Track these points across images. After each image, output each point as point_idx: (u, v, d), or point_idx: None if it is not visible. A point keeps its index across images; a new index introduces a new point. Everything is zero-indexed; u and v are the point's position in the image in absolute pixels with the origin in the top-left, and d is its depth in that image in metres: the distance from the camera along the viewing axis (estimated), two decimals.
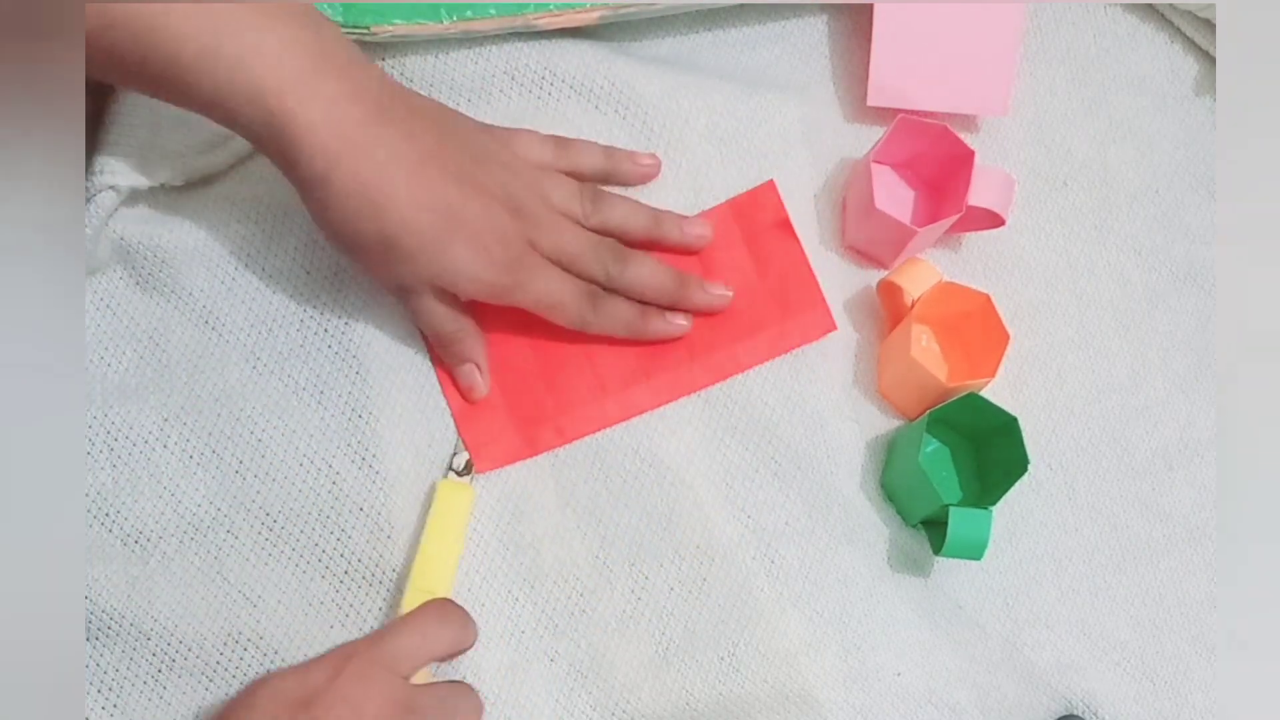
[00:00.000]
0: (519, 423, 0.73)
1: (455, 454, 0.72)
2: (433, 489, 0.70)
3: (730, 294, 0.74)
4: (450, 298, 0.69)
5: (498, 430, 0.73)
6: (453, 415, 0.73)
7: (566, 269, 0.70)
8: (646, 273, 0.72)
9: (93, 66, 0.60)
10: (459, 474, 0.71)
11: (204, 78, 0.60)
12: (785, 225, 0.76)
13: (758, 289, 0.75)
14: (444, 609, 0.66)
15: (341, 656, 0.61)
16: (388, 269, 0.66)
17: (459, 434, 0.72)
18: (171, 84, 0.61)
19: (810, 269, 0.75)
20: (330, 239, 0.66)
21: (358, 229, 0.64)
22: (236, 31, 0.59)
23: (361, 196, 0.63)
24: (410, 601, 0.67)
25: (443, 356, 0.72)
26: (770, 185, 0.76)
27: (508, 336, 0.73)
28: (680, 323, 0.74)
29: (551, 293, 0.69)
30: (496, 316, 0.72)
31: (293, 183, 0.64)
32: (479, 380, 0.72)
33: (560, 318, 0.70)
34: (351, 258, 0.67)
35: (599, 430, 0.73)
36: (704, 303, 0.74)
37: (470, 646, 0.67)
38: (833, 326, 0.75)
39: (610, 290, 0.72)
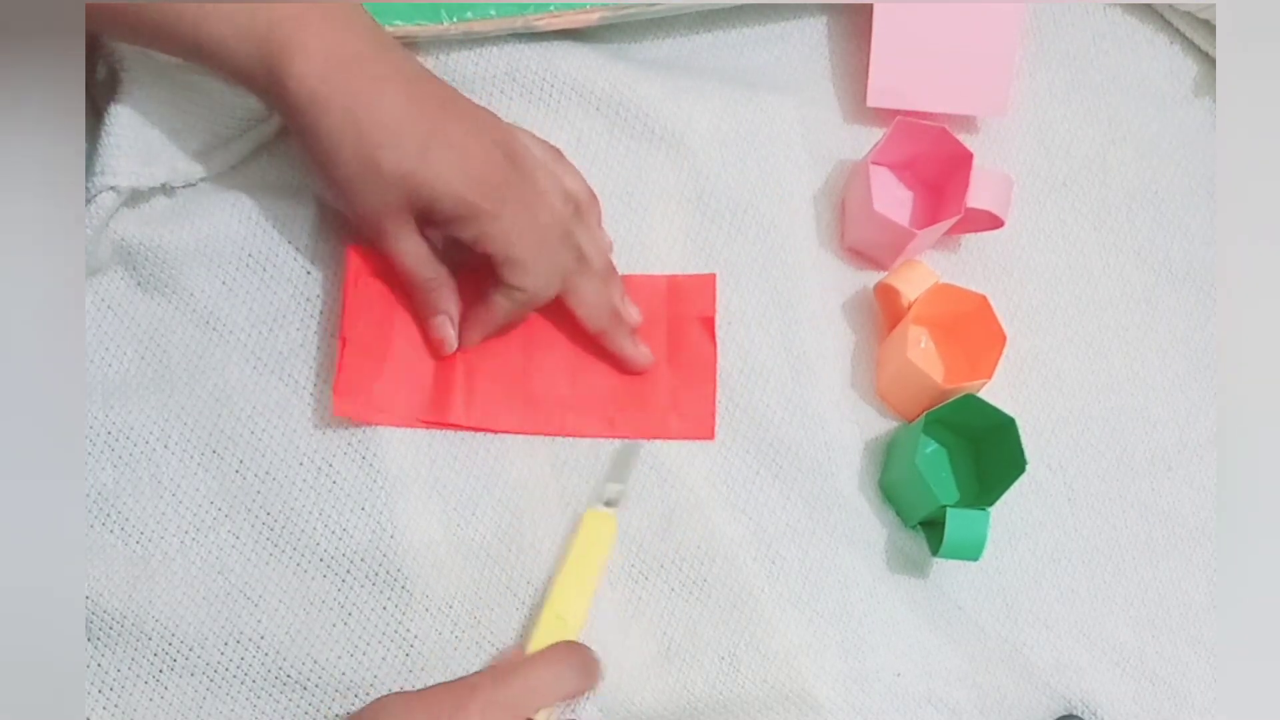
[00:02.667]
0: (411, 390, 0.72)
1: (606, 484, 0.71)
2: (578, 519, 0.70)
3: (650, 360, 0.74)
4: (429, 243, 0.69)
5: (379, 386, 0.71)
6: (340, 347, 0.70)
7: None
8: (601, 283, 0.72)
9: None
10: (607, 505, 0.71)
11: (200, 18, 0.61)
12: (709, 324, 0.75)
13: (660, 370, 0.75)
14: (575, 652, 0.66)
15: (466, 688, 0.62)
16: (369, 193, 0.65)
17: (338, 365, 0.70)
18: (165, 28, 0.62)
19: (714, 377, 0.74)
20: (316, 169, 0.66)
21: (341, 148, 0.64)
22: None
23: (346, 114, 0.63)
24: (545, 627, 0.67)
25: (416, 307, 0.71)
26: (710, 278, 0.75)
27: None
28: (646, 352, 0.74)
29: (527, 234, 0.68)
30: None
31: (281, 112, 0.65)
32: (450, 333, 0.71)
33: (516, 268, 0.68)
34: (335, 189, 0.66)
35: (487, 431, 0.73)
36: (628, 353, 0.73)
37: (595, 689, 0.67)
38: (710, 437, 0.74)
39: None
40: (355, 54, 0.64)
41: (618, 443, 0.73)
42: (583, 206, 0.72)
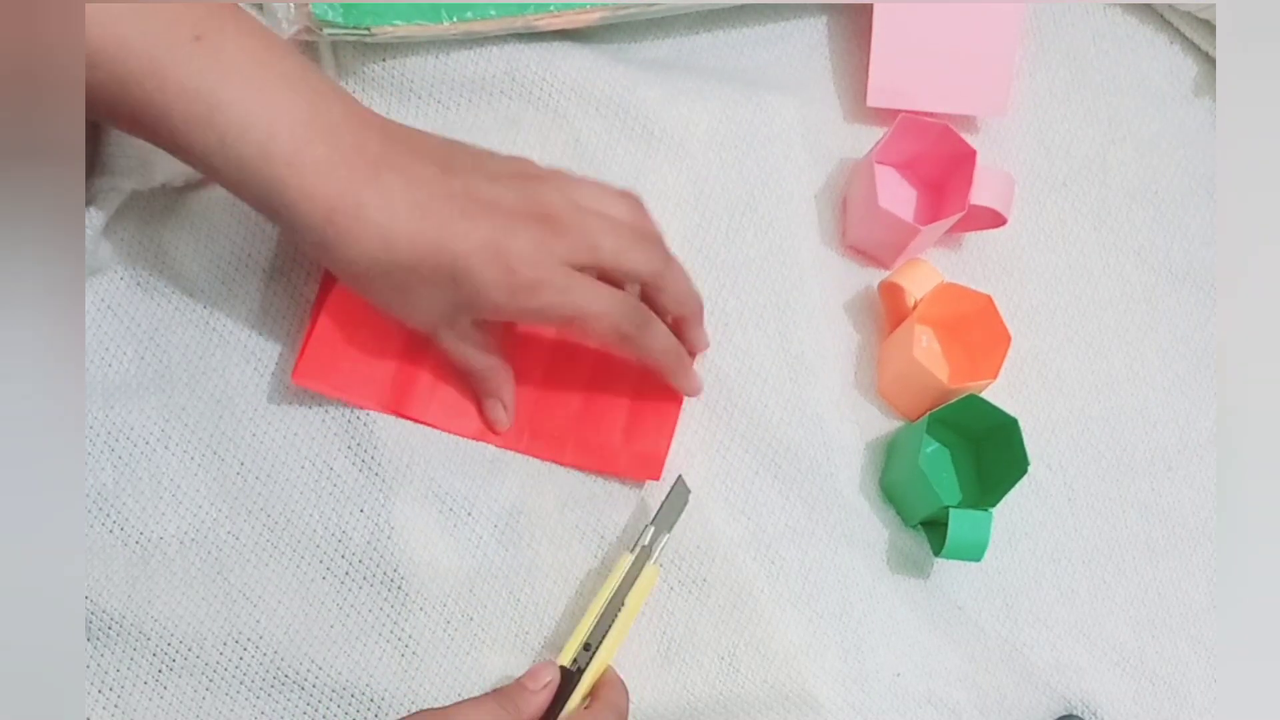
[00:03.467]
0: (376, 374, 0.71)
1: (653, 530, 0.70)
2: (620, 561, 0.69)
3: (700, 389, 0.73)
4: (478, 332, 0.68)
5: (345, 365, 0.70)
6: (313, 317, 0.70)
7: (602, 274, 0.66)
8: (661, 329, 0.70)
9: (91, 110, 0.59)
10: (647, 548, 0.69)
11: (195, 143, 0.59)
12: None
13: (622, 406, 0.73)
14: (622, 695, 0.68)
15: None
16: (412, 313, 0.66)
17: (306, 334, 0.70)
18: (169, 143, 0.60)
19: (674, 421, 0.73)
20: (354, 288, 0.65)
21: (372, 286, 0.64)
22: (227, 101, 0.58)
23: (367, 260, 0.62)
24: (594, 668, 0.67)
25: (474, 388, 0.72)
26: None
27: None
28: (698, 386, 0.73)
29: (590, 303, 0.65)
30: None
31: (301, 249, 0.65)
32: (502, 415, 0.72)
33: (596, 330, 0.66)
34: (379, 308, 0.66)
35: (442, 430, 0.73)
36: (683, 382, 0.72)
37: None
38: (656, 478, 0.72)
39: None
40: (365, 187, 0.61)
41: (664, 487, 0.71)
42: (632, 225, 0.68)
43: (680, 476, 0.70)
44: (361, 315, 0.69)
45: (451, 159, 0.65)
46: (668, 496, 0.70)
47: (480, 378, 0.71)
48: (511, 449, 0.73)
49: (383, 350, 0.71)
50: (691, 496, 0.71)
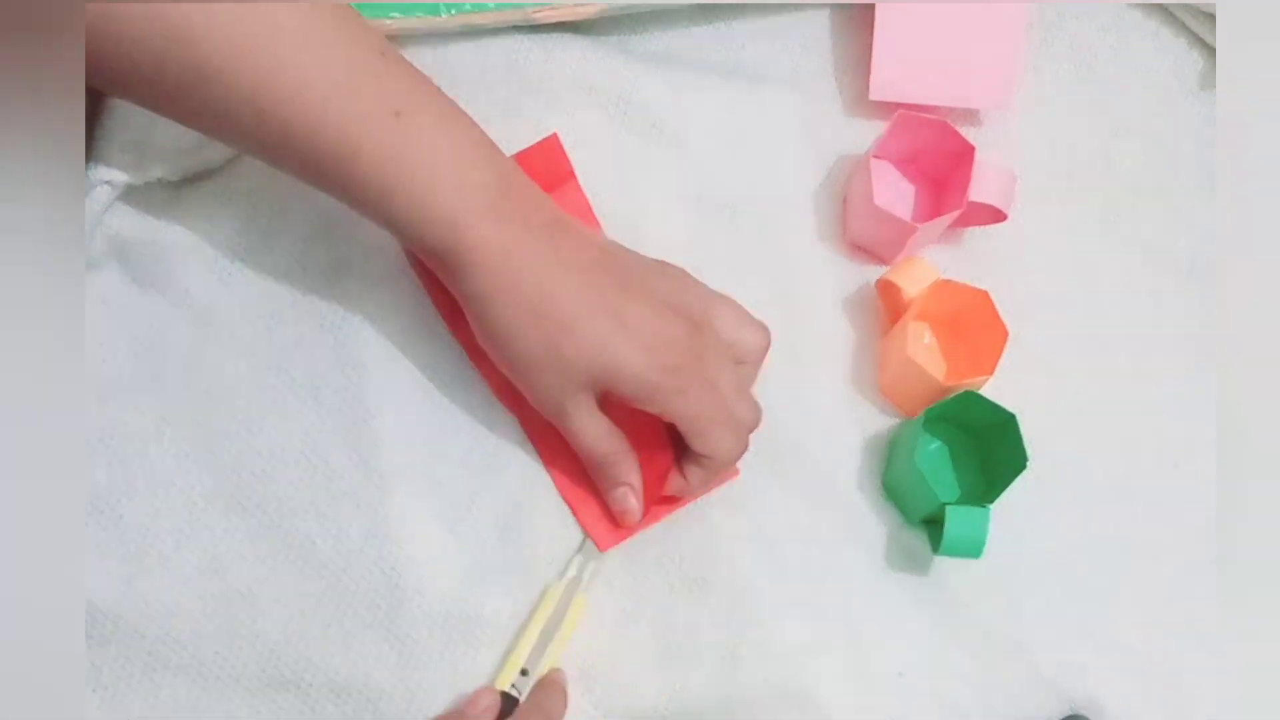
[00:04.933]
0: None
1: (573, 558, 0.71)
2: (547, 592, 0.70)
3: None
4: (607, 417, 0.68)
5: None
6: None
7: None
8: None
9: (257, 147, 0.64)
10: (576, 577, 0.71)
11: (387, 193, 0.62)
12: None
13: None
14: (557, 701, 0.68)
15: None
16: (551, 376, 0.65)
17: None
18: (344, 194, 0.64)
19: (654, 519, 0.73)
20: (494, 352, 0.67)
21: (522, 337, 0.64)
22: (414, 170, 0.62)
23: (528, 307, 0.64)
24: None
25: (597, 479, 0.71)
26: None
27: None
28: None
29: (710, 406, 0.67)
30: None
31: (457, 294, 0.66)
32: (633, 504, 0.70)
33: (707, 438, 0.68)
34: (515, 372, 0.67)
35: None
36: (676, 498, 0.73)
37: None
38: (601, 549, 0.72)
39: None
40: (535, 245, 0.64)
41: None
42: (752, 360, 0.71)
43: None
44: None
45: (610, 247, 0.69)
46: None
47: (608, 462, 0.69)
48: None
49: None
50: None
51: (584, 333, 0.64)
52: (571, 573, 0.70)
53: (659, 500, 0.72)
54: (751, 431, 0.70)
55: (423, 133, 0.62)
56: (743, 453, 0.70)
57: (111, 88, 0.64)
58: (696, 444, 0.68)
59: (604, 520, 0.72)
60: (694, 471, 0.70)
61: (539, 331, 0.64)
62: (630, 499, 0.70)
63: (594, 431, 0.68)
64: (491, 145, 0.65)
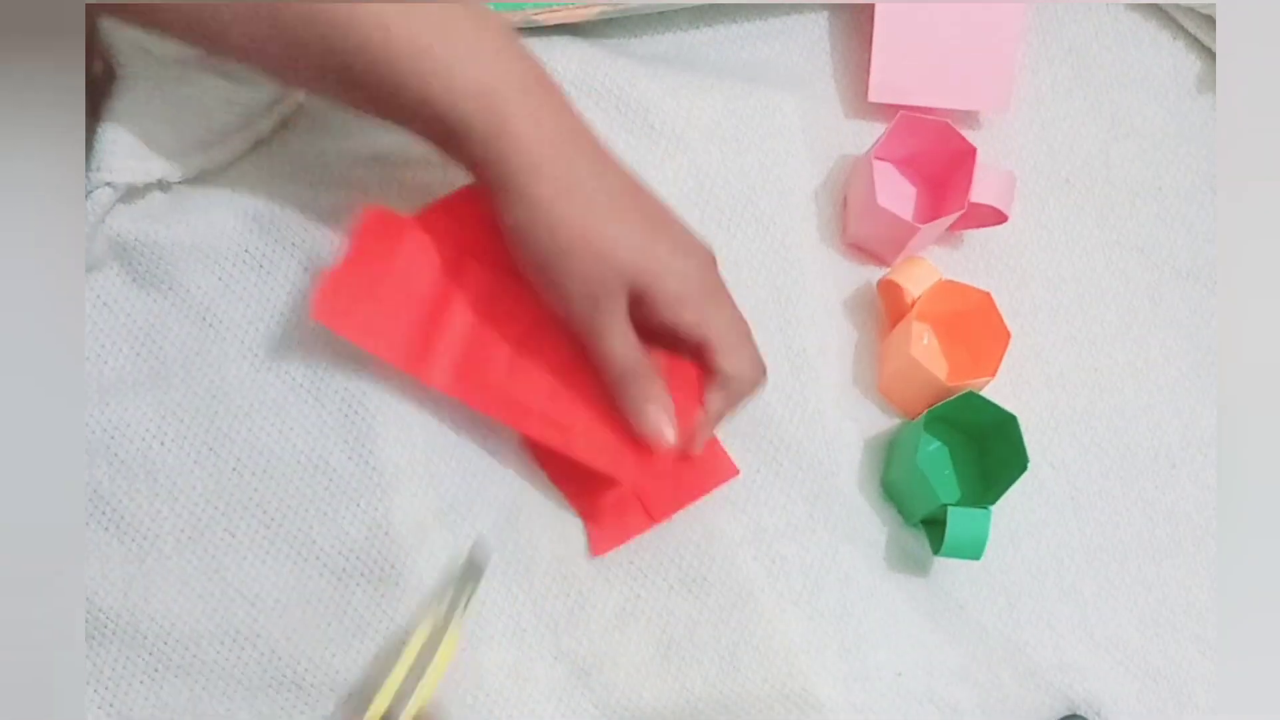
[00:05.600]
0: (397, 328, 0.68)
1: (444, 593, 0.68)
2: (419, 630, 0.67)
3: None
4: (632, 329, 0.65)
5: (366, 308, 0.67)
6: (343, 256, 0.67)
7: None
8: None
9: (274, 61, 0.62)
10: (446, 614, 0.67)
11: (411, 76, 0.60)
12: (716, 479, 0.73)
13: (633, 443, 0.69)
14: None
15: None
16: (589, 267, 0.62)
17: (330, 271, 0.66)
18: (370, 82, 0.61)
19: (683, 500, 0.72)
20: (528, 240, 0.63)
21: (563, 220, 0.61)
22: (451, 37, 0.60)
23: (572, 185, 0.61)
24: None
25: (622, 401, 0.66)
26: (730, 473, 0.74)
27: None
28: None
29: (740, 326, 0.67)
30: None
31: (491, 177, 0.62)
32: (666, 425, 0.66)
33: (738, 354, 0.66)
34: (550, 262, 0.63)
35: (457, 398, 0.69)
36: (695, 448, 0.69)
37: None
38: (597, 554, 0.71)
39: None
40: (576, 129, 0.63)
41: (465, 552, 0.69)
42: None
43: (481, 536, 0.70)
44: (389, 263, 0.67)
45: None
46: (466, 560, 0.68)
47: (637, 376, 0.65)
48: (523, 430, 0.70)
49: (408, 302, 0.68)
50: None
51: (629, 222, 0.62)
52: (448, 599, 0.67)
53: (659, 493, 0.71)
54: (750, 389, 0.69)
55: (458, 13, 0.60)
56: (761, 382, 0.68)
57: None
58: (726, 362, 0.66)
59: (604, 522, 0.72)
60: (714, 398, 0.67)
61: (583, 215, 0.61)
62: (663, 417, 0.66)
63: (625, 342, 0.64)
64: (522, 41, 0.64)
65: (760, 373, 0.68)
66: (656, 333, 0.66)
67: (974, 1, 0.80)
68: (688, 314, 0.64)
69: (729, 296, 0.67)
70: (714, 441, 0.73)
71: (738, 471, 0.73)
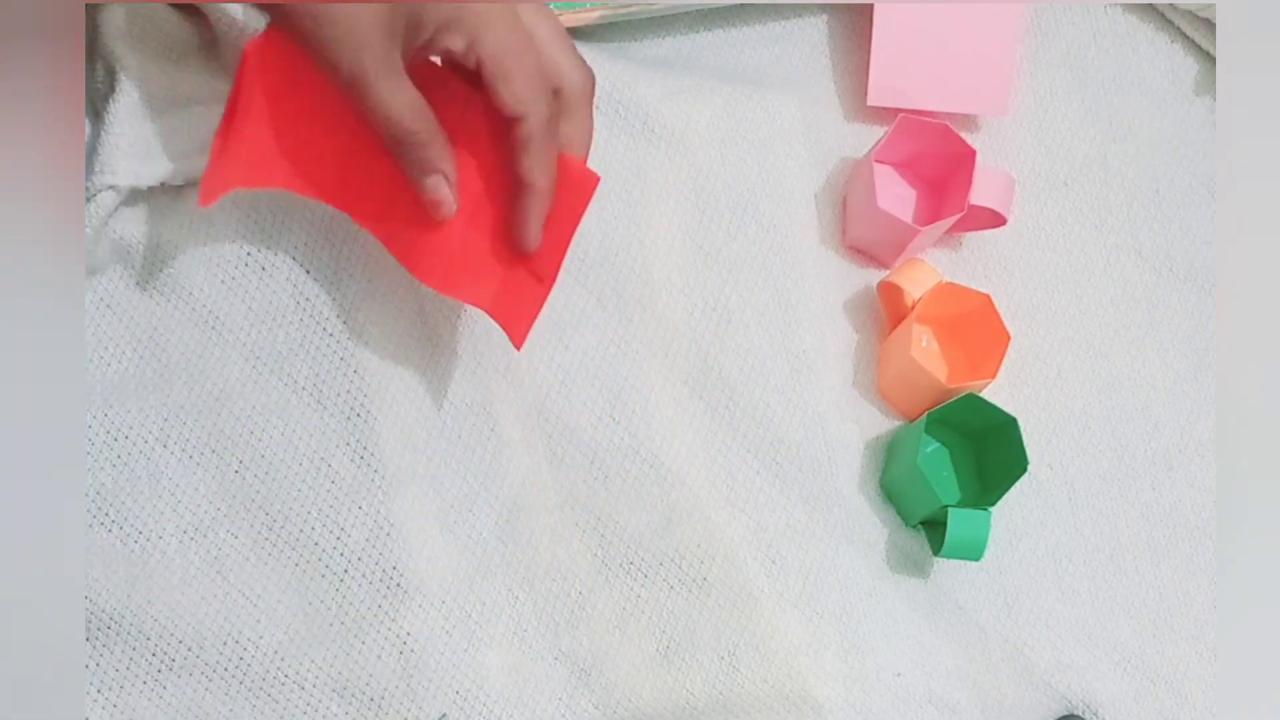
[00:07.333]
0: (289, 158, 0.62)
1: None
2: None
3: (534, 248, 0.64)
4: (413, 87, 0.59)
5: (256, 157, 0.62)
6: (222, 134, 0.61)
7: None
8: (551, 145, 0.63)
9: None
10: None
11: None
12: (571, 221, 0.67)
13: (507, 253, 0.65)
14: None
15: None
16: (344, 33, 0.55)
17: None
18: None
19: (552, 279, 0.66)
20: (290, 9, 0.56)
21: None
22: None
23: None
24: None
25: (404, 164, 0.61)
26: (593, 180, 0.66)
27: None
28: (538, 237, 0.64)
29: (521, 51, 0.59)
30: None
31: None
32: (447, 193, 0.61)
33: (512, 83, 0.59)
34: (304, 16, 0.56)
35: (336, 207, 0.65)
36: (531, 225, 0.63)
37: None
38: (518, 345, 0.66)
39: None
40: None
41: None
42: (571, 93, 0.62)
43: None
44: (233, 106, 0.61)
45: None
46: None
47: (418, 142, 0.60)
48: (392, 247, 0.65)
49: (293, 136, 0.62)
50: (692, 495, 0.72)
51: None
52: None
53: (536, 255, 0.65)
54: (583, 97, 0.62)
55: None
56: (553, 112, 0.61)
57: None
58: (502, 91, 0.58)
59: (506, 310, 0.66)
60: (521, 159, 0.61)
61: None
62: (444, 187, 0.61)
63: (400, 100, 0.58)
64: None
65: (542, 109, 0.60)
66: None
67: (973, 4, 0.80)
68: (457, 38, 0.58)
69: (518, 24, 0.59)
70: (563, 158, 0.63)
71: (598, 178, 0.65)
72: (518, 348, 0.66)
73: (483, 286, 0.65)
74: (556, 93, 0.61)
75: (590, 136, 0.64)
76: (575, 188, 0.65)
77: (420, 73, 0.60)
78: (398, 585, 0.69)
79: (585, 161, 0.65)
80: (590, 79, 0.63)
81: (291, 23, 0.56)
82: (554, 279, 0.66)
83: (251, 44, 0.59)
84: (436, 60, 0.61)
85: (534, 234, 0.63)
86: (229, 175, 0.61)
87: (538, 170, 0.61)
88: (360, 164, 0.63)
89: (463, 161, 0.63)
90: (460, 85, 0.62)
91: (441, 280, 0.64)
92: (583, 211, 0.66)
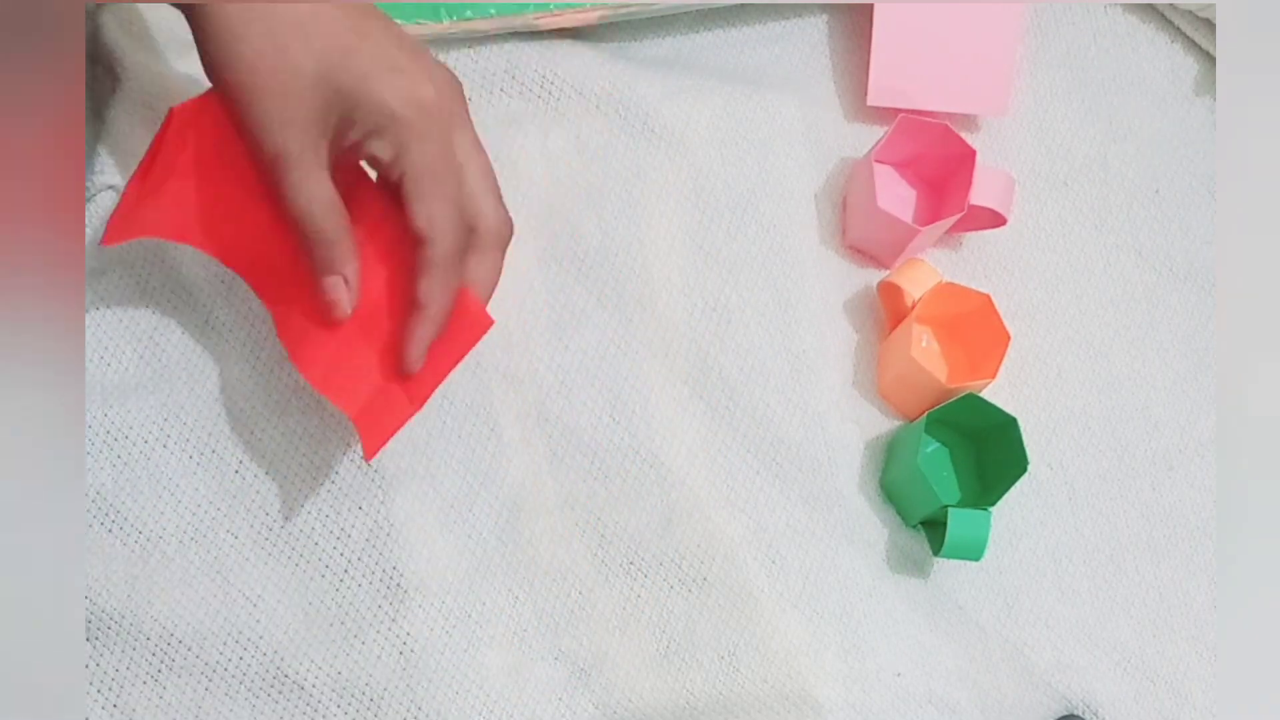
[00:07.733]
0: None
1: None
2: None
3: (415, 369, 0.63)
4: (331, 181, 0.59)
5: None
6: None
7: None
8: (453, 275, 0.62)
9: None
10: None
11: None
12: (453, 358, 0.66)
13: (392, 366, 0.64)
14: None
15: None
16: (275, 94, 0.55)
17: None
18: None
19: (415, 408, 0.65)
20: (215, 70, 0.56)
21: (246, 39, 0.54)
22: None
23: (254, 10, 0.54)
24: None
25: (310, 260, 0.60)
26: (486, 323, 0.65)
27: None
28: (420, 360, 0.63)
29: (444, 174, 0.59)
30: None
31: (191, 27, 0.56)
32: (344, 296, 0.60)
33: (429, 203, 0.59)
34: (234, 95, 0.56)
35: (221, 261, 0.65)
36: (416, 346, 0.62)
37: None
38: (367, 458, 0.64)
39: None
40: None
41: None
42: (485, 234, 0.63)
43: None
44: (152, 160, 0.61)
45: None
46: None
47: (326, 241, 0.59)
48: (274, 313, 0.66)
49: (213, 200, 0.62)
50: (692, 495, 0.72)
51: (322, 38, 0.54)
52: None
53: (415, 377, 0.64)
54: (497, 241, 0.62)
55: None
56: (461, 245, 0.61)
57: None
58: (415, 209, 0.58)
59: (369, 420, 0.65)
60: (421, 282, 0.60)
61: (268, 34, 0.53)
62: (342, 289, 0.60)
63: (315, 192, 0.57)
64: None
65: (459, 230, 0.60)
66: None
67: (973, 4, 0.80)
68: (384, 147, 0.57)
69: (447, 130, 0.58)
70: (464, 292, 0.63)
71: (492, 321, 0.64)
72: (367, 459, 0.65)
73: (356, 394, 0.64)
74: (472, 230, 0.61)
75: (495, 282, 0.64)
76: (468, 324, 0.64)
77: (347, 174, 0.61)
78: (398, 585, 0.69)
79: (485, 304, 0.64)
80: (508, 228, 0.63)
81: (228, 93, 0.56)
82: (424, 402, 0.65)
83: (178, 108, 0.59)
84: (365, 165, 0.61)
85: (417, 356, 0.62)
86: (143, 221, 0.61)
87: (433, 295, 0.60)
88: (271, 243, 0.63)
89: (368, 270, 0.62)
90: (380, 196, 0.62)
91: (320, 378, 0.64)
92: (469, 349, 0.65)
